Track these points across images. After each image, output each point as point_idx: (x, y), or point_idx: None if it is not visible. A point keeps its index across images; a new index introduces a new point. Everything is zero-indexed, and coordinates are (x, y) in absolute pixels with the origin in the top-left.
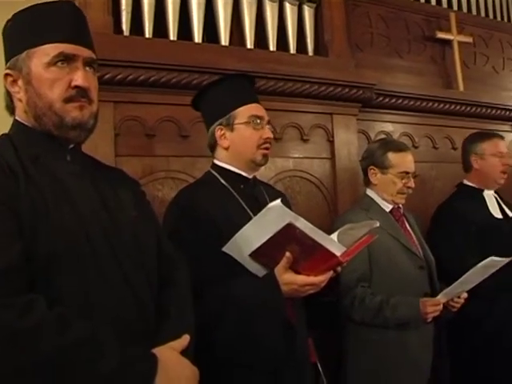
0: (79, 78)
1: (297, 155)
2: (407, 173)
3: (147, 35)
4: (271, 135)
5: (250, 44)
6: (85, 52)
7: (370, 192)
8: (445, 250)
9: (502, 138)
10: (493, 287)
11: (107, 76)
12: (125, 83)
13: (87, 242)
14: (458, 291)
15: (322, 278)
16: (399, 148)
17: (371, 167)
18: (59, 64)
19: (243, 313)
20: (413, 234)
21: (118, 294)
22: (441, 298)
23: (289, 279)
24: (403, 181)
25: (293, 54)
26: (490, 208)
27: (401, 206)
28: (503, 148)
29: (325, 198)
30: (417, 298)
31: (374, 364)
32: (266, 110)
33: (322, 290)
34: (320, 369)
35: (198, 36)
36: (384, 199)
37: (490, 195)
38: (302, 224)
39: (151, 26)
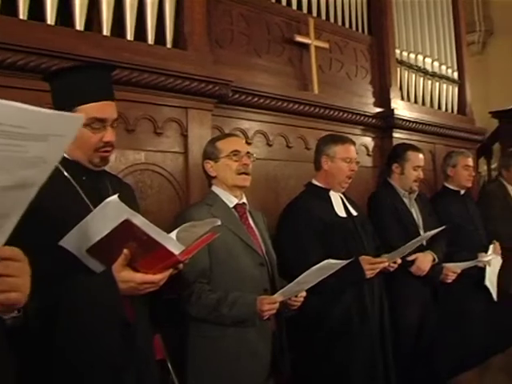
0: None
1: (149, 148)
2: (237, 151)
3: None
4: (113, 138)
5: (106, 31)
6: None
7: (214, 187)
8: (290, 248)
9: (353, 143)
10: (335, 285)
11: None
12: None
13: None
14: (296, 290)
15: (160, 277)
16: (225, 135)
17: (206, 161)
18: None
19: (78, 311)
20: (256, 231)
21: None
22: (277, 296)
23: (126, 277)
24: (235, 159)
25: (150, 45)
26: (336, 207)
27: (245, 202)
28: (353, 154)
29: (177, 193)
30: (254, 296)
31: (214, 359)
32: (120, 100)
33: (162, 288)
34: (169, 365)
35: (50, 17)
36: (227, 192)
37: (335, 195)
38: (140, 221)
39: None
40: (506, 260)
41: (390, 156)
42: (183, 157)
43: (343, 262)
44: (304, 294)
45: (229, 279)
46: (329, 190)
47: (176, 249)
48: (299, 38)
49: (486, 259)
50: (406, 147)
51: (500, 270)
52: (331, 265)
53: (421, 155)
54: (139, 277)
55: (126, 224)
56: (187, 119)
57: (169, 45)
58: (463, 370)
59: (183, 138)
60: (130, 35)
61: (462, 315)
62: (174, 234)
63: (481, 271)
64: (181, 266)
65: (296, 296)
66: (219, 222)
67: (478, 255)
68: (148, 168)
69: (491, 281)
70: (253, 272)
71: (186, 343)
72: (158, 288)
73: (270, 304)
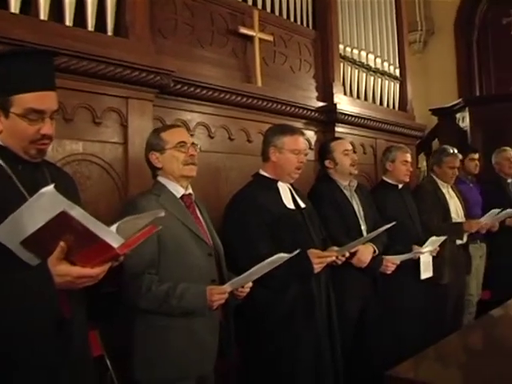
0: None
1: (88, 138)
2: (184, 142)
3: None
4: (51, 131)
5: (43, 15)
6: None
7: (161, 178)
8: (238, 238)
9: (302, 134)
10: (283, 278)
11: None
12: None
13: None
14: (245, 281)
15: (98, 271)
16: (168, 126)
17: (152, 153)
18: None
19: (10, 306)
20: (203, 222)
21: None
22: (227, 286)
23: (63, 270)
24: (182, 150)
25: (90, 32)
26: (284, 199)
27: (192, 192)
28: (302, 145)
29: (115, 184)
30: (204, 286)
31: (161, 350)
32: (57, 88)
33: (101, 282)
34: (107, 361)
35: None
36: (174, 183)
37: (283, 186)
38: (77, 213)
39: None
40: (438, 252)
41: (320, 156)
42: (123, 147)
43: (291, 255)
44: (250, 284)
45: (177, 270)
46: (277, 181)
47: (115, 242)
48: (243, 30)
49: (423, 251)
50: (328, 142)
51: (432, 261)
52: (283, 258)
53: (344, 141)
54: (76, 270)
55: (63, 216)
56: (127, 109)
57: (109, 32)
58: (400, 360)
59: (123, 129)
60: (68, 21)
61: (398, 306)
62: (114, 227)
63: (416, 264)
64: (121, 258)
65: (243, 286)
66: (162, 214)
67: (412, 247)
68: (86, 158)
69: (426, 274)
70: (201, 262)
71: (132, 335)
72: (96, 282)
73: (219, 294)
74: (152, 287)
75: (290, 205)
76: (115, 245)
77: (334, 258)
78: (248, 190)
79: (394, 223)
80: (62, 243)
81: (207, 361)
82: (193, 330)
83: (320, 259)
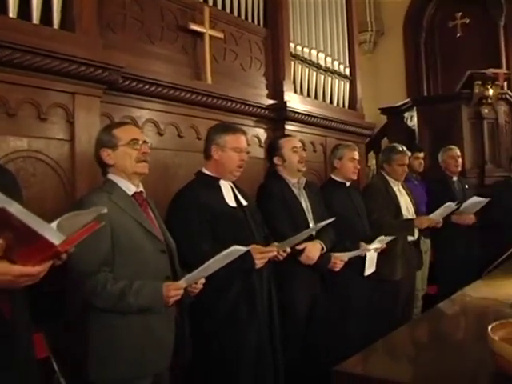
0: None
1: (32, 135)
2: (136, 139)
3: None
4: None
5: None
6: None
7: (111, 175)
8: (181, 236)
9: (244, 133)
10: (225, 273)
11: None
12: None
13: None
14: (199, 277)
15: (39, 269)
16: (120, 123)
17: (103, 150)
18: None
19: None
20: (154, 219)
21: None
22: (182, 282)
23: (2, 269)
24: (134, 147)
25: (35, 25)
26: (225, 196)
27: (143, 190)
28: (244, 144)
29: (62, 182)
30: (160, 283)
31: (116, 349)
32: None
33: (43, 281)
34: (54, 363)
35: None
36: (126, 181)
37: (225, 184)
38: (16, 210)
39: None
40: (389, 249)
41: (268, 153)
42: (69, 144)
43: (247, 248)
44: (203, 280)
45: (132, 267)
46: (219, 179)
47: (56, 239)
48: (194, 27)
49: (370, 248)
50: (276, 139)
51: (384, 258)
52: (236, 251)
53: (293, 138)
54: (17, 269)
55: (1, 212)
56: (74, 105)
57: (56, 25)
58: (348, 357)
59: (69, 125)
60: (12, 13)
61: (347, 303)
62: (55, 224)
63: (362, 260)
64: (64, 256)
65: (196, 283)
66: (105, 210)
67: (360, 245)
68: (31, 155)
69: (370, 270)
70: (155, 259)
71: (86, 335)
72: (37, 281)
73: (175, 290)
74: (107, 285)
75: (232, 202)
76: (56, 242)
77: (275, 253)
78: (190, 187)
79: (333, 219)
80: (0, 241)
81: (163, 358)
82: (149, 327)
83: (261, 255)
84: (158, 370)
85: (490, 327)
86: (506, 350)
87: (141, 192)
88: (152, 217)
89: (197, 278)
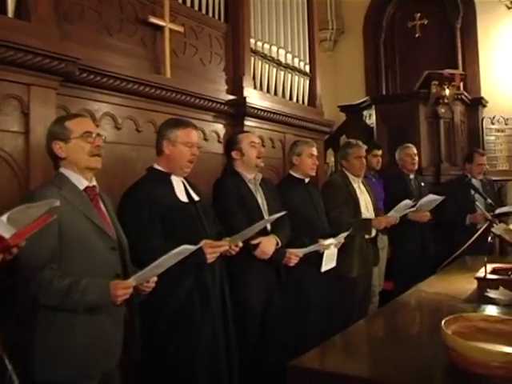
0: None
1: None
2: (90, 132)
3: None
4: None
5: None
6: None
7: (63, 169)
8: (132, 232)
9: (195, 127)
10: (176, 269)
11: None
12: None
13: None
14: (150, 275)
15: None
16: (73, 115)
17: (55, 142)
18: None
19: None
20: (107, 215)
21: None
22: (132, 281)
23: None
24: (88, 140)
25: None
26: (177, 191)
27: (96, 184)
28: (195, 138)
29: (15, 175)
30: (108, 280)
31: (63, 349)
32: None
33: None
34: (7, 361)
35: None
36: (78, 175)
37: (177, 179)
38: None
39: None
40: (346, 246)
41: (226, 148)
42: (24, 137)
43: (198, 247)
44: (155, 279)
45: (80, 264)
46: (170, 175)
47: (6, 232)
48: (153, 20)
49: (326, 243)
50: (235, 134)
51: (341, 255)
52: (187, 250)
53: (251, 133)
54: None
55: None
56: (29, 97)
57: (10, 14)
58: (305, 350)
59: (24, 117)
60: None
61: (302, 299)
62: (4, 217)
63: (321, 256)
64: (14, 250)
65: (148, 281)
66: (57, 203)
67: (318, 241)
68: None
69: (328, 265)
70: (105, 256)
71: (33, 334)
72: None
73: (124, 289)
74: (53, 282)
75: (184, 198)
76: (6, 235)
77: (227, 248)
78: (141, 183)
79: (285, 212)
80: None
81: (112, 358)
82: (96, 326)
83: (213, 249)
84: (106, 370)
85: (443, 321)
86: (458, 343)
87: (93, 186)
88: (104, 212)
89: (147, 277)
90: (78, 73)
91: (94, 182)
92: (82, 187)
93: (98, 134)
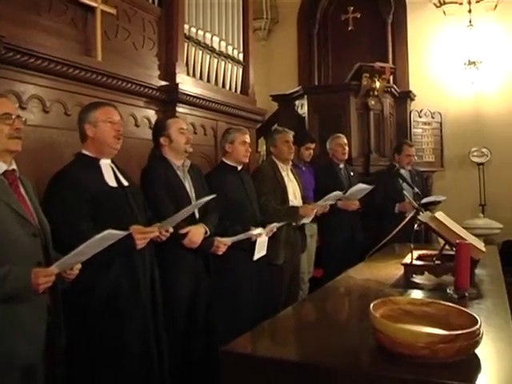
0: None
1: None
2: (9, 114)
3: None
4: None
5: None
6: None
7: None
8: (58, 218)
9: (114, 106)
10: (105, 255)
11: None
12: None
13: None
14: (73, 262)
15: None
16: None
17: None
18: None
19: None
20: (27, 200)
21: None
22: (54, 268)
23: None
24: (7, 122)
25: None
26: (106, 177)
27: (16, 168)
28: (115, 115)
29: None
30: (28, 268)
31: None
32: None
33: None
34: None
35: None
36: None
37: (106, 164)
38: None
39: None
40: (274, 233)
41: (154, 133)
42: None
43: (124, 233)
44: (79, 266)
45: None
46: (99, 160)
47: None
48: (85, 0)
49: (255, 232)
50: (163, 119)
51: (269, 242)
52: (112, 235)
53: (180, 119)
54: None
55: None
56: None
57: None
58: (236, 336)
59: None
60: None
61: (233, 286)
62: None
63: (252, 244)
64: None
65: (72, 268)
66: None
67: (250, 228)
68: None
69: (260, 253)
70: (25, 243)
71: None
72: None
73: (45, 277)
74: None
75: (113, 183)
76: None
77: (157, 233)
78: (68, 167)
79: (213, 196)
80: None
81: (34, 349)
82: (16, 316)
83: (143, 235)
84: (28, 362)
85: (371, 305)
86: (385, 325)
87: (13, 170)
88: (25, 197)
89: (71, 264)
90: (2, 52)
91: (14, 166)
92: (0, 171)
93: (18, 116)
